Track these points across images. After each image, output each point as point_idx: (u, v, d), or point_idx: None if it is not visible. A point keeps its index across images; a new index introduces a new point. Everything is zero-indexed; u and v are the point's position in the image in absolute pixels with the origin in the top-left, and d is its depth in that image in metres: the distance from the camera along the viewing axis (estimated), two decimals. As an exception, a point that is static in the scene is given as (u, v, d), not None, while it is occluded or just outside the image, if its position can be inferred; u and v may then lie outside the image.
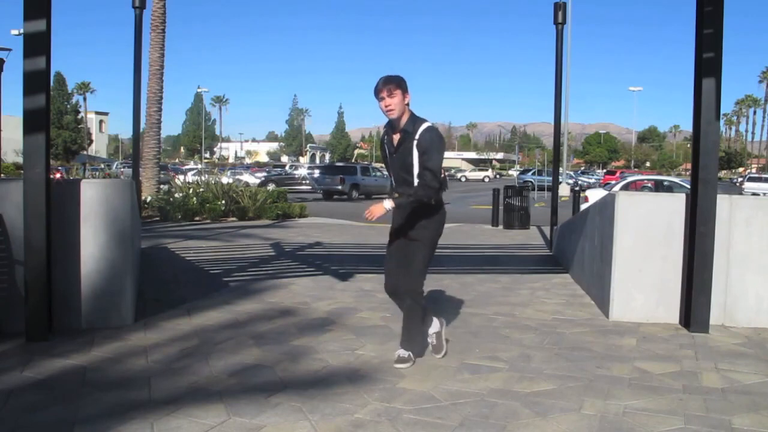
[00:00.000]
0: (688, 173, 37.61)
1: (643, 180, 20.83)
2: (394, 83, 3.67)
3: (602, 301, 5.46)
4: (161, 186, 16.39)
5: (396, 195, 3.71)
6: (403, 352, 3.90)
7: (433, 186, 3.65)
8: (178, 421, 3.04)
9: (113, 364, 3.89)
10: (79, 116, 67.32)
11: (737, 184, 46.53)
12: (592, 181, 43.07)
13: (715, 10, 4.74)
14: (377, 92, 3.70)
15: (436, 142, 3.67)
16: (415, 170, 3.68)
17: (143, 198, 14.05)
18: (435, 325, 4.06)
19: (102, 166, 36.79)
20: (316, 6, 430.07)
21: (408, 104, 3.74)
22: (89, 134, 74.35)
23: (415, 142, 3.67)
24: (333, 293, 6.15)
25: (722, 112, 21.37)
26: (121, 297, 4.77)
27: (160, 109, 16.68)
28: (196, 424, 3.01)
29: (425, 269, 3.87)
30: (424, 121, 3.73)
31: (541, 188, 30.67)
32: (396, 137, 3.78)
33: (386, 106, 3.68)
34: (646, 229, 5.09)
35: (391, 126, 3.79)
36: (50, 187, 4.38)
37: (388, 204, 3.62)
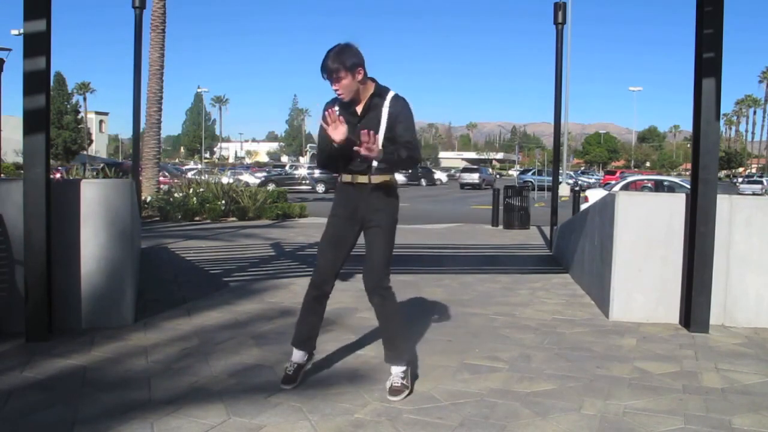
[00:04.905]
0: (688, 173, 37.64)
1: (643, 180, 20.83)
2: (336, 66, 3.18)
3: (602, 301, 5.46)
4: (161, 186, 16.39)
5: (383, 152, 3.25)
6: (396, 379, 3.40)
7: (418, 156, 3.36)
8: (178, 421, 3.04)
9: (113, 364, 3.89)
10: (79, 116, 67.23)
11: (736, 184, 46.78)
12: (592, 181, 43.06)
13: (715, 10, 4.74)
14: (323, 73, 3.24)
15: (407, 110, 3.33)
16: (381, 136, 3.29)
17: (143, 198, 14.05)
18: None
19: (102, 166, 36.77)
20: (316, 6, 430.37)
21: (363, 78, 3.27)
22: (89, 134, 74.31)
23: (385, 110, 3.29)
24: (333, 293, 6.12)
25: (722, 112, 21.36)
26: (122, 297, 4.77)
27: (160, 109, 16.68)
28: (196, 424, 3.01)
29: (390, 259, 3.46)
30: (388, 89, 3.36)
31: (541, 188, 30.67)
32: (359, 107, 3.35)
33: (335, 91, 3.26)
34: (646, 229, 5.09)
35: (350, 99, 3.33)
36: (50, 187, 4.38)
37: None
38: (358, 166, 3.35)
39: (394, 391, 3.38)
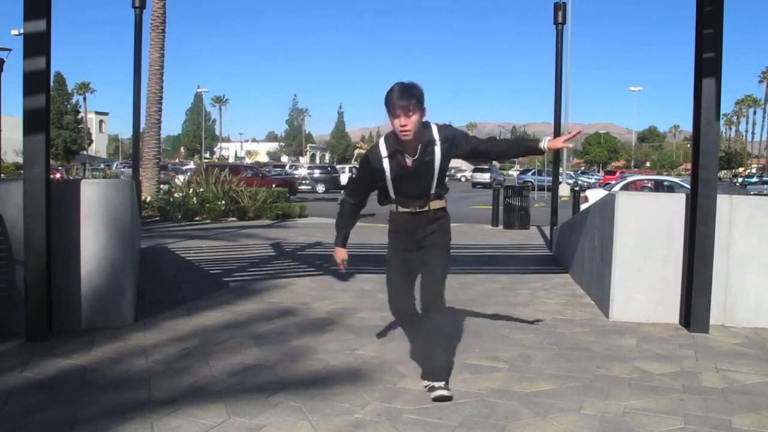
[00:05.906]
0: (688, 173, 37.68)
1: (643, 180, 20.82)
2: (414, 100, 3.10)
3: (602, 301, 5.46)
4: (161, 186, 16.40)
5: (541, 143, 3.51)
6: (441, 391, 3.32)
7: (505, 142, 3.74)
8: (178, 421, 3.04)
9: (113, 364, 3.89)
10: (79, 116, 67.34)
11: (736, 185, 46.81)
12: (592, 181, 43.16)
13: (715, 10, 4.74)
14: (392, 107, 3.12)
15: (458, 130, 3.40)
16: (436, 173, 3.31)
17: (143, 198, 14.06)
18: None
19: (102, 166, 36.79)
20: (316, 6, 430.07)
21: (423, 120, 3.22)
22: (89, 134, 74.35)
23: (438, 147, 3.25)
24: (333, 293, 6.15)
25: (722, 112, 21.38)
26: (122, 297, 4.77)
27: (160, 109, 16.68)
28: (196, 424, 3.01)
29: (446, 278, 3.45)
30: (430, 123, 3.30)
31: (541, 188, 30.65)
32: (407, 157, 3.28)
33: (402, 127, 3.13)
34: (646, 229, 5.09)
35: (398, 142, 3.25)
36: (50, 187, 4.38)
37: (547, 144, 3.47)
38: (417, 201, 3.39)
39: (439, 398, 3.31)
